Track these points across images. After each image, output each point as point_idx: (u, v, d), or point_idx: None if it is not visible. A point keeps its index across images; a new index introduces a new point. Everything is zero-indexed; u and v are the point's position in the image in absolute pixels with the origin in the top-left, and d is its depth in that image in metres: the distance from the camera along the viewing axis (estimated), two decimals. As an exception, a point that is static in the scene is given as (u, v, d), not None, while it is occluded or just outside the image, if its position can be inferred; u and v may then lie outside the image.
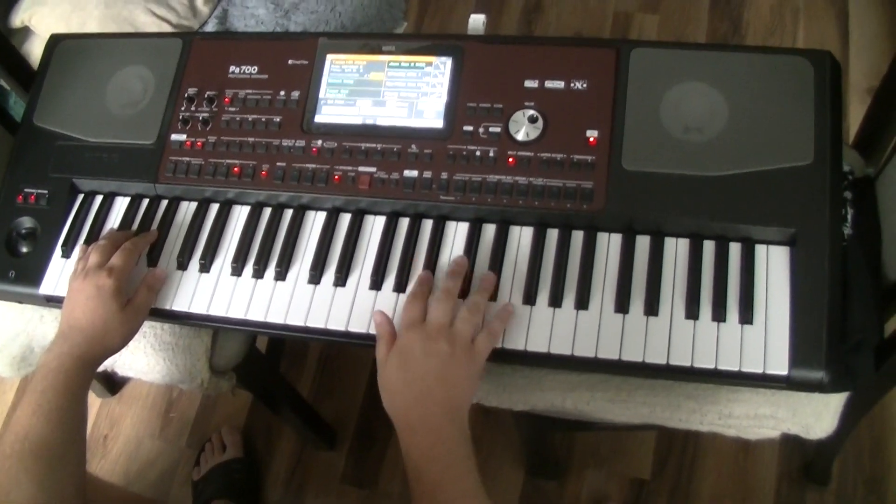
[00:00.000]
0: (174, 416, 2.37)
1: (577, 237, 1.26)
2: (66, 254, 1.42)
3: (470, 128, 1.31)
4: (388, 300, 1.28)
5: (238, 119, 1.40)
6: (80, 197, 1.47)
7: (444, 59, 1.36)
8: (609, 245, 1.25)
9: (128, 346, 1.42)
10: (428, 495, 1.08)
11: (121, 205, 1.45)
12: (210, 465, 2.19)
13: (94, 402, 2.41)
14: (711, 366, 1.15)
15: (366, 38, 1.41)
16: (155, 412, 2.38)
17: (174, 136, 1.42)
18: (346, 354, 2.35)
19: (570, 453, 2.10)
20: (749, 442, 1.33)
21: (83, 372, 1.27)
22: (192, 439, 2.32)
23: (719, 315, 1.17)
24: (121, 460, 2.32)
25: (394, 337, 1.20)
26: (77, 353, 1.26)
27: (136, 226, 1.42)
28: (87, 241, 1.41)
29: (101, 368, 1.48)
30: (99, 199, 1.47)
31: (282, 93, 1.40)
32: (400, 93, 1.36)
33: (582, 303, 1.21)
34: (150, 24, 2.08)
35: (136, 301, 1.31)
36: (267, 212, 1.38)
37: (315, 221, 1.36)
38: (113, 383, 2.40)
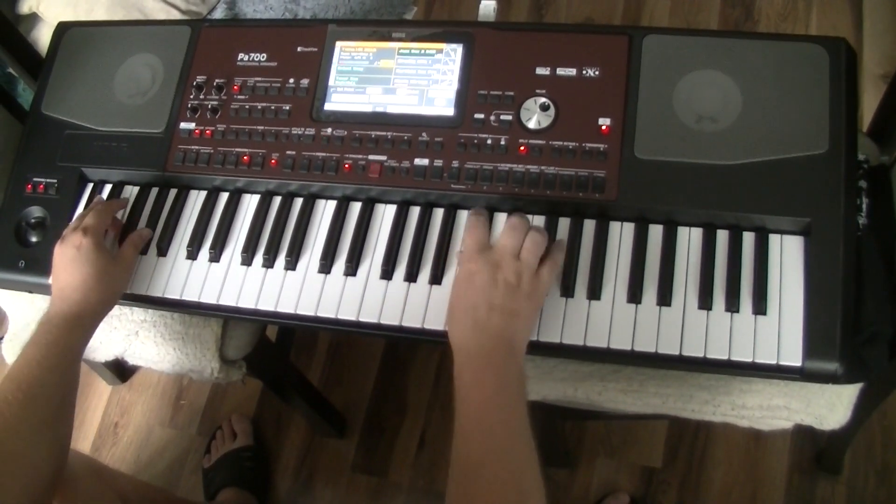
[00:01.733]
0: (184, 403, 2.37)
1: (589, 226, 1.25)
2: (76, 243, 1.41)
3: (481, 116, 1.30)
4: (400, 290, 1.27)
5: (247, 107, 1.39)
6: (90, 186, 1.47)
7: (454, 46, 1.35)
8: (621, 234, 1.24)
9: (138, 335, 1.42)
10: (472, 418, 1.08)
11: (130, 194, 1.45)
12: (220, 453, 2.19)
13: (105, 389, 2.42)
14: (725, 356, 1.14)
15: (375, 24, 1.40)
16: (165, 400, 2.38)
17: (183, 125, 1.41)
18: (356, 343, 2.34)
19: (581, 442, 2.10)
20: (761, 432, 1.32)
21: (83, 330, 1.29)
22: (202, 427, 2.32)
23: (733, 305, 1.16)
24: (131, 448, 2.32)
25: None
26: (76, 311, 1.28)
27: (145, 215, 1.42)
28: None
29: (109, 357, 1.48)
30: (108, 188, 1.46)
31: (291, 80, 1.39)
32: (410, 80, 1.35)
33: (594, 293, 1.20)
34: (158, 11, 2.08)
35: (122, 254, 1.35)
36: (277, 201, 1.38)
37: (325, 210, 1.35)
38: (123, 371, 2.40)
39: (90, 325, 1.31)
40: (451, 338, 1.16)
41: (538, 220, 1.27)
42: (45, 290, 1.41)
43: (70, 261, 1.30)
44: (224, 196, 1.40)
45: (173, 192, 1.43)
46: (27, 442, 1.18)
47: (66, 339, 1.26)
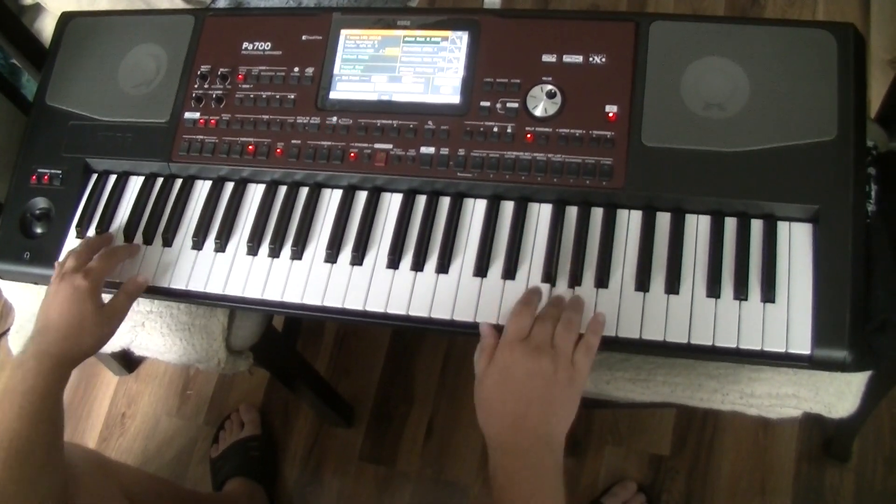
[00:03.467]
0: (191, 393, 2.37)
1: (597, 214, 1.25)
2: (81, 234, 1.41)
3: (487, 103, 1.30)
4: (406, 279, 1.27)
5: (252, 96, 1.39)
6: (94, 177, 1.47)
7: (460, 33, 1.34)
8: (629, 222, 1.24)
9: (144, 326, 1.42)
10: None
11: (135, 184, 1.44)
12: (228, 442, 2.19)
13: (112, 380, 2.42)
14: (733, 345, 1.13)
15: (380, 12, 1.40)
16: (172, 390, 2.38)
17: (188, 115, 1.41)
18: (363, 332, 2.34)
19: (589, 431, 2.10)
20: (769, 420, 1.32)
21: (61, 371, 1.25)
22: (209, 417, 2.32)
23: (741, 293, 1.15)
24: (138, 438, 2.33)
25: (494, 350, 1.17)
26: (54, 352, 1.24)
27: (150, 205, 1.42)
28: (101, 221, 1.41)
29: (116, 348, 1.48)
30: (113, 178, 1.46)
31: (296, 69, 1.39)
32: (416, 68, 1.35)
33: (602, 281, 1.20)
34: (161, 0, 2.07)
35: (113, 304, 1.31)
36: (282, 190, 1.38)
37: (331, 199, 1.35)
38: (130, 362, 2.41)
39: (67, 369, 1.27)
40: (484, 431, 1.13)
41: (545, 209, 1.27)
42: (48, 281, 1.41)
43: (63, 299, 1.27)
44: (229, 186, 1.40)
45: (178, 182, 1.43)
46: (16, 501, 1.17)
47: (43, 384, 1.22)
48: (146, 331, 1.48)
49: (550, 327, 1.15)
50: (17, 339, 1.56)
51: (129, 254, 1.38)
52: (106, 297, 1.32)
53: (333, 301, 1.28)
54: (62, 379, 1.26)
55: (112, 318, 1.31)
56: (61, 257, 1.39)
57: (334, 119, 1.35)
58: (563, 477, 1.09)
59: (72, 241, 1.41)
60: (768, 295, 1.14)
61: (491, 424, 1.13)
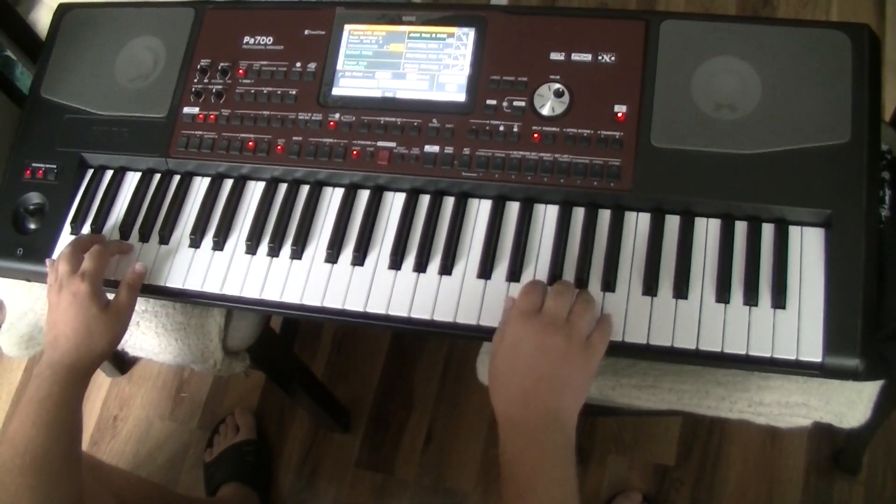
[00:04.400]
0: (185, 396, 2.37)
1: (604, 216, 1.25)
2: (76, 231, 1.42)
3: (493, 102, 1.30)
4: (409, 281, 1.27)
5: (252, 92, 1.39)
6: (90, 172, 1.47)
7: (466, 30, 1.35)
8: (637, 225, 1.24)
9: (139, 325, 1.42)
10: (516, 496, 1.06)
11: (131, 180, 1.45)
12: (222, 447, 2.19)
13: (104, 381, 2.42)
14: (742, 351, 1.14)
15: (385, 7, 1.40)
16: (166, 392, 2.38)
17: (186, 110, 1.41)
18: (361, 335, 2.35)
19: (592, 439, 2.10)
20: (777, 430, 1.32)
21: (77, 380, 1.28)
22: (203, 420, 2.33)
23: (751, 299, 1.16)
24: (130, 442, 2.33)
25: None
26: (68, 362, 1.26)
27: (146, 202, 1.42)
28: (97, 218, 1.41)
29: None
30: (109, 174, 1.46)
31: (298, 64, 1.39)
32: (421, 65, 1.35)
33: (608, 284, 1.20)
34: (161, -7, 2.08)
35: (117, 301, 1.32)
36: (282, 188, 1.38)
37: (332, 198, 1.35)
38: (123, 362, 2.41)
39: (83, 375, 1.30)
40: (494, 405, 1.13)
41: (551, 210, 1.27)
42: (43, 278, 1.41)
43: (67, 307, 1.28)
44: (228, 183, 1.40)
45: (176, 179, 1.43)
46: None
47: (59, 392, 1.25)
48: (141, 330, 1.49)
49: (566, 303, 1.14)
50: (8, 337, 1.56)
51: (120, 249, 1.38)
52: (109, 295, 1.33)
53: (333, 302, 1.28)
54: (79, 387, 1.28)
55: (119, 316, 1.31)
56: (53, 259, 1.39)
57: (336, 116, 1.35)
58: (574, 457, 1.09)
59: (66, 238, 1.41)
60: (779, 301, 1.15)
61: (500, 397, 1.13)
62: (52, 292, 1.31)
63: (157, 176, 1.44)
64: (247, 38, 1.43)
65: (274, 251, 1.33)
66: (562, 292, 1.15)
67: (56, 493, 1.21)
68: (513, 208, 1.29)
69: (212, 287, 1.33)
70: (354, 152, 1.33)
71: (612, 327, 1.17)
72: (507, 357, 1.13)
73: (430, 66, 1.35)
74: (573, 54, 1.30)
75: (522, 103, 1.29)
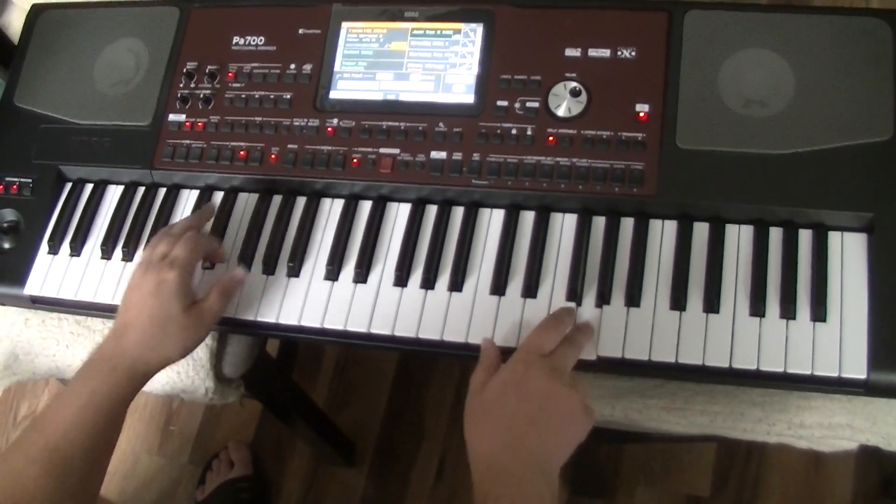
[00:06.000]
0: (174, 429, 2.38)
1: (627, 225, 1.26)
2: (54, 249, 1.43)
3: (504, 103, 1.31)
4: (415, 298, 1.28)
5: (243, 96, 1.40)
6: (68, 186, 1.48)
7: (473, 25, 1.36)
8: (663, 233, 1.24)
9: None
10: None
11: (113, 194, 1.46)
12: (215, 483, 2.19)
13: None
14: (780, 369, 1.14)
15: (386, 3, 1.41)
16: (153, 425, 2.39)
17: (172, 117, 1.42)
18: (365, 359, 2.35)
19: (619, 469, 2.10)
20: (821, 455, 1.32)
21: (135, 381, 1.22)
22: (194, 455, 2.33)
23: (788, 312, 1.16)
24: (115, 478, 2.33)
25: (497, 364, 1.15)
26: (129, 358, 1.21)
27: (130, 217, 1.43)
28: (76, 236, 1.42)
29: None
30: (89, 187, 1.47)
31: (292, 66, 1.40)
32: (425, 64, 1.36)
33: (633, 299, 1.21)
34: (142, -9, 2.09)
35: (203, 306, 1.26)
36: (277, 200, 1.39)
37: (331, 210, 1.36)
38: (105, 393, 2.41)
39: (142, 378, 1.23)
40: (471, 445, 1.10)
41: (569, 219, 1.28)
42: (18, 301, 1.42)
43: (146, 295, 1.23)
44: (218, 196, 1.42)
45: (162, 192, 1.44)
46: None
47: (111, 391, 1.18)
48: (126, 357, 1.49)
49: (576, 355, 1.15)
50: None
51: (218, 253, 1.35)
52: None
53: (334, 322, 1.29)
54: (134, 390, 1.22)
55: (201, 323, 1.26)
56: (63, 250, 1.41)
57: (335, 121, 1.36)
58: None
59: (44, 258, 1.42)
60: (818, 313, 1.15)
61: (482, 444, 1.09)
62: (138, 270, 1.27)
63: (142, 189, 1.45)
64: (236, 39, 1.44)
65: (269, 269, 1.34)
66: (576, 343, 1.16)
67: (75, 500, 1.15)
68: (527, 218, 1.29)
69: (202, 309, 1.34)
70: (355, 160, 1.33)
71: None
72: (500, 394, 1.11)
73: (435, 65, 1.36)
74: (590, 50, 1.31)
75: (536, 104, 1.30)
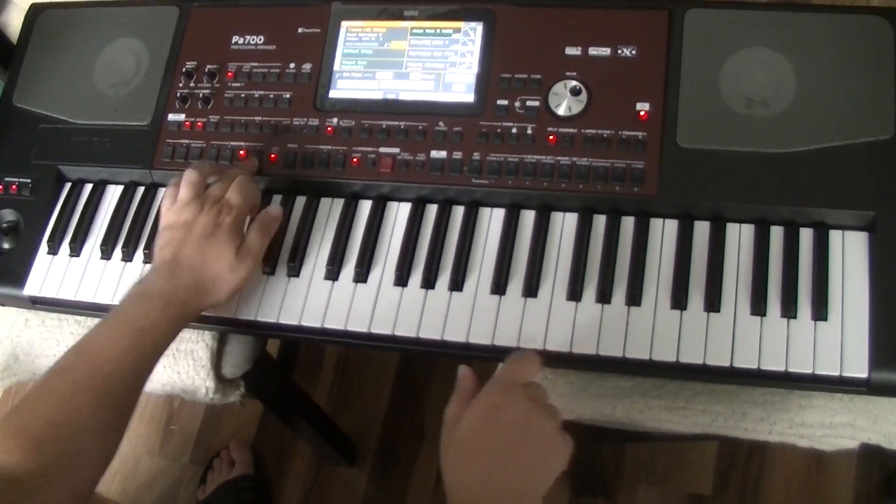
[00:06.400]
0: (175, 429, 2.37)
1: (628, 224, 1.26)
2: (53, 250, 1.42)
3: (504, 102, 1.31)
4: (416, 298, 1.28)
5: (243, 96, 1.40)
6: (68, 186, 1.48)
7: (473, 24, 1.36)
8: (663, 232, 1.24)
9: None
10: None
11: (113, 194, 1.46)
12: (216, 483, 2.19)
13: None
14: (781, 368, 1.14)
15: (385, 1, 1.41)
16: (154, 426, 2.39)
17: (171, 117, 1.42)
18: (367, 359, 2.35)
19: (620, 468, 2.10)
20: (822, 454, 1.32)
21: (184, 320, 1.23)
22: (195, 455, 2.33)
23: (789, 311, 1.16)
24: (116, 479, 2.33)
25: (473, 395, 1.11)
26: (184, 297, 1.22)
27: (129, 217, 1.43)
28: (76, 236, 1.42)
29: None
30: (88, 188, 1.47)
31: (291, 65, 1.40)
32: (425, 63, 1.36)
33: (634, 298, 1.21)
34: (142, -10, 2.09)
35: (247, 245, 1.27)
36: (277, 200, 1.39)
37: (331, 210, 1.36)
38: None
39: (192, 318, 1.25)
40: (448, 480, 1.06)
41: (570, 219, 1.28)
42: (17, 302, 1.42)
43: (200, 235, 1.23)
44: (218, 195, 1.41)
45: (162, 192, 1.43)
46: (91, 442, 1.10)
47: (162, 328, 1.19)
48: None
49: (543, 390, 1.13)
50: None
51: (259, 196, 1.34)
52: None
53: (335, 322, 1.29)
54: (181, 327, 1.23)
55: (247, 264, 1.27)
56: (62, 250, 1.41)
57: (334, 120, 1.36)
58: None
59: (43, 258, 1.42)
60: (820, 312, 1.15)
61: (460, 477, 1.06)
62: (188, 207, 1.26)
63: (141, 189, 1.45)
64: (236, 38, 1.44)
65: (269, 269, 1.34)
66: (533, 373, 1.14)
67: (113, 434, 1.14)
68: (528, 217, 1.29)
69: (202, 309, 1.34)
70: (354, 160, 1.33)
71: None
72: (478, 425, 1.08)
73: (435, 64, 1.36)
74: (590, 48, 1.30)
75: (536, 103, 1.30)
